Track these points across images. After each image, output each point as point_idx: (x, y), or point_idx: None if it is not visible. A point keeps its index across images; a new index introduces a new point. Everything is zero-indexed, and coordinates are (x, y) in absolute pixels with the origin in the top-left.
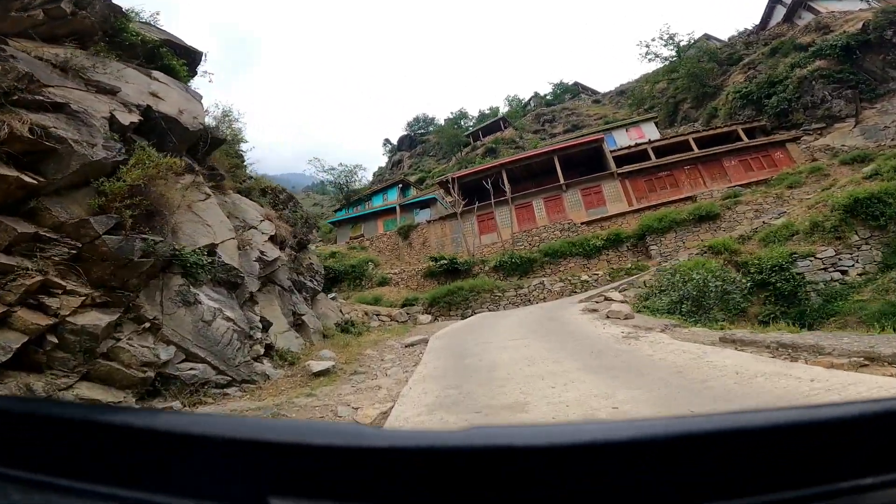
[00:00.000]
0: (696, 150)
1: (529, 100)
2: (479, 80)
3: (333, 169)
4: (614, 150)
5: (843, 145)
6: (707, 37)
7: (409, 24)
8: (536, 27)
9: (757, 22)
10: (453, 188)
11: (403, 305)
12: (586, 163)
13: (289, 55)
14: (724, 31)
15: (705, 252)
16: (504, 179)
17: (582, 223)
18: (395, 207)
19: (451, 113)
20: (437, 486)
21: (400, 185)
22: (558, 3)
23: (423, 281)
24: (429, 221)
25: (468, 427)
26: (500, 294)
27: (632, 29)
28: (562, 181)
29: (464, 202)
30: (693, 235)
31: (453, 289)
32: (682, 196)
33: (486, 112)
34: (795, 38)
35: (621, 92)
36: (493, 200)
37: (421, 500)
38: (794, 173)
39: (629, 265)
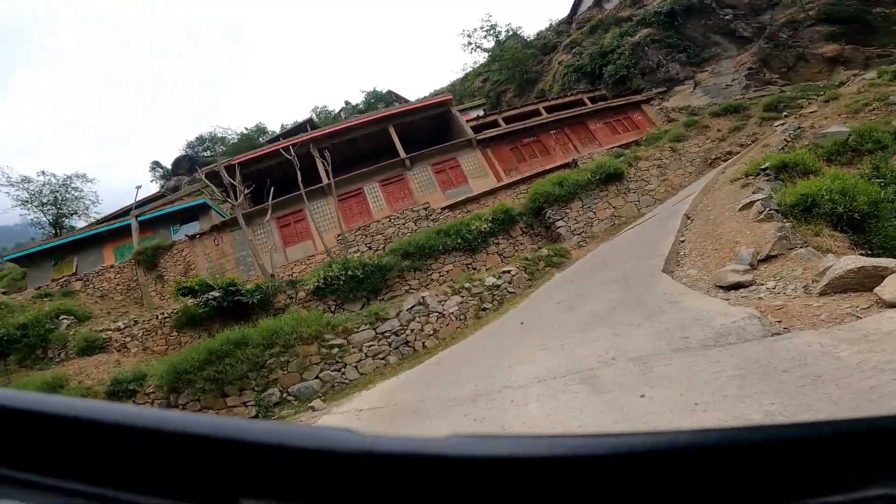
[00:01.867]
0: (545, 115)
1: (340, 111)
2: (283, 97)
3: (28, 181)
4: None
5: (693, 105)
6: (516, 36)
7: (199, 27)
8: (346, 39)
9: (562, 15)
10: (234, 179)
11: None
12: (433, 134)
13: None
14: (528, 30)
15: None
16: (318, 156)
17: (443, 208)
18: (129, 224)
19: (247, 129)
20: (414, 493)
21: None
22: (367, 14)
23: (175, 334)
24: (192, 237)
25: (448, 434)
26: (342, 342)
27: (441, 40)
28: (403, 155)
29: (247, 191)
30: (603, 202)
31: (224, 346)
32: (556, 164)
33: (291, 127)
34: (615, 13)
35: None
36: (303, 191)
37: None
38: (665, 132)
39: (547, 252)
